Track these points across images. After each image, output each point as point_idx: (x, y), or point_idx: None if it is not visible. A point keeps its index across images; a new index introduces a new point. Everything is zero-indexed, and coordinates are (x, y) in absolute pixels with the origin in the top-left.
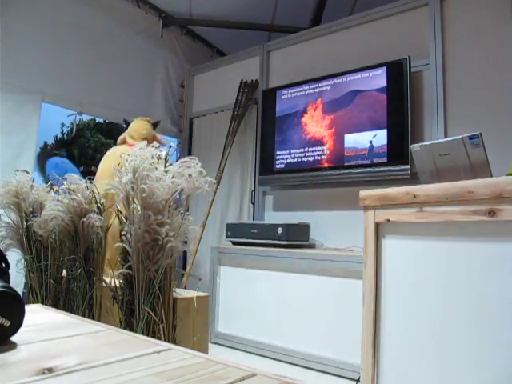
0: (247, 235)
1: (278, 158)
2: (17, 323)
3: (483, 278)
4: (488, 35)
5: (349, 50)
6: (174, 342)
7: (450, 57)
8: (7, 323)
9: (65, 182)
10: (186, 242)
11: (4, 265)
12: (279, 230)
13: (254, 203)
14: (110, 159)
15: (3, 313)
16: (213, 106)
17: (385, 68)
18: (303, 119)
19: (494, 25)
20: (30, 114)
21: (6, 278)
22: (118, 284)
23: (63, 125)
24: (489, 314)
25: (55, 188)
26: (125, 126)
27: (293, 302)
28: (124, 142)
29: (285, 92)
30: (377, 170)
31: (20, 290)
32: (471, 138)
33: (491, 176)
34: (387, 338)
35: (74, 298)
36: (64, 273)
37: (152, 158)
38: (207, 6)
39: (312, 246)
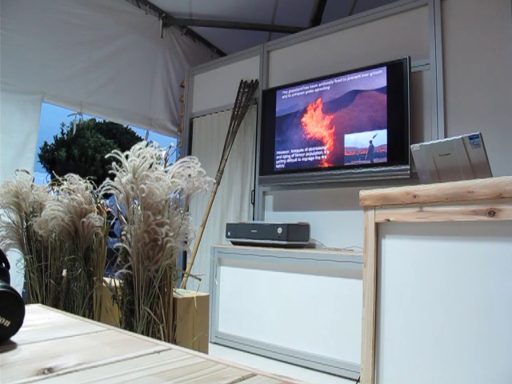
0: (247, 235)
1: (277, 157)
2: (17, 323)
3: (483, 277)
4: (488, 35)
5: (349, 50)
6: (174, 341)
7: (450, 57)
8: (7, 323)
9: (65, 182)
10: (186, 242)
11: (4, 265)
12: (279, 230)
13: (254, 203)
14: None
15: (3, 313)
16: (213, 105)
17: (385, 68)
18: (303, 119)
19: (494, 25)
20: (30, 113)
21: (6, 278)
22: (117, 284)
23: (63, 125)
24: (489, 313)
25: (55, 188)
26: None
27: (293, 301)
28: None
29: (285, 92)
30: (377, 169)
31: (20, 289)
32: (471, 138)
33: (491, 176)
34: (387, 338)
35: (74, 297)
36: (64, 273)
37: (152, 158)
38: (207, 6)
39: (312, 246)
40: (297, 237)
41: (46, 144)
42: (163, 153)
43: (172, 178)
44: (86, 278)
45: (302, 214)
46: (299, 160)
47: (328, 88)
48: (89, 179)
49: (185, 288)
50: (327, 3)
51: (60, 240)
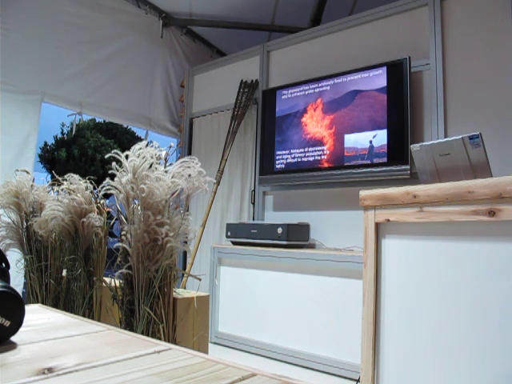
0: (247, 235)
1: (277, 157)
2: (17, 323)
3: (483, 277)
4: (488, 35)
5: (349, 50)
6: (174, 341)
7: (450, 57)
8: (7, 323)
9: (65, 182)
10: (186, 242)
11: (4, 265)
12: (279, 230)
13: (254, 203)
14: None
15: (3, 313)
16: (213, 106)
17: (385, 68)
18: (303, 119)
19: (494, 25)
20: (30, 113)
21: (6, 278)
22: (117, 284)
23: (63, 125)
24: (488, 313)
25: (55, 188)
26: None
27: (293, 301)
28: None
29: (285, 92)
30: (377, 169)
31: (20, 290)
32: (471, 138)
33: (491, 176)
34: (387, 338)
35: (74, 298)
36: (64, 273)
37: (152, 158)
38: (207, 6)
39: (312, 246)
40: (297, 237)
41: (46, 144)
42: (163, 153)
43: (172, 177)
44: (85, 278)
45: (302, 214)
46: (299, 160)
47: (328, 88)
48: (89, 179)
49: (185, 288)
50: (327, 3)
51: (60, 240)
